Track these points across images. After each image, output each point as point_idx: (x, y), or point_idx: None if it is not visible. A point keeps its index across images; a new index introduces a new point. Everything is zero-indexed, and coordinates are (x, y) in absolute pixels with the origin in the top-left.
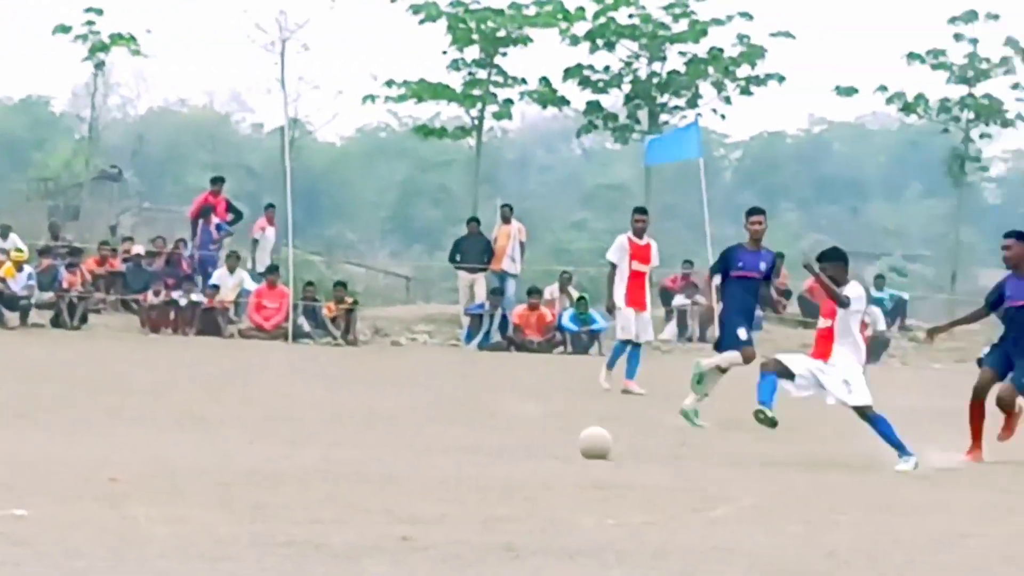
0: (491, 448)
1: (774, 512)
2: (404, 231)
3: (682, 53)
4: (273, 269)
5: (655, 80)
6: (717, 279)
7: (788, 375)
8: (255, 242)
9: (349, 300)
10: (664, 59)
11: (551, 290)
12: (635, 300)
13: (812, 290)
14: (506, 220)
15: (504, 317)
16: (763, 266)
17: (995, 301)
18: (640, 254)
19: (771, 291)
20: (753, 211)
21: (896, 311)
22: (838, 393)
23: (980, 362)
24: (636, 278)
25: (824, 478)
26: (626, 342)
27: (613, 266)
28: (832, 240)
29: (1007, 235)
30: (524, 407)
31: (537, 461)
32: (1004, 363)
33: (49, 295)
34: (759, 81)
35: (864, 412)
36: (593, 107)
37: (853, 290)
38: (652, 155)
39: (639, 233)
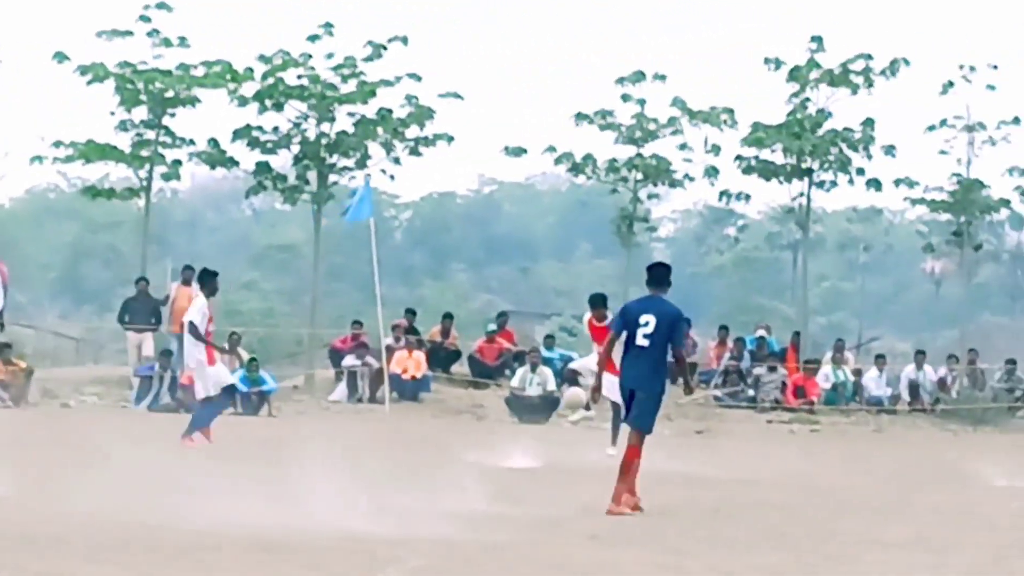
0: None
1: (443, 574)
2: (73, 292)
3: (351, 114)
4: None
5: (324, 141)
6: None
7: None
8: None
9: (22, 364)
10: (333, 120)
11: None
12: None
13: (481, 350)
14: (186, 282)
15: (174, 378)
16: None
17: None
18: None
19: None
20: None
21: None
22: None
23: None
24: None
25: (494, 538)
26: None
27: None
28: (503, 301)
29: None
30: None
31: (199, 520)
32: None
33: None
34: (428, 142)
35: None
36: (262, 168)
37: None
38: (352, 215)
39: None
